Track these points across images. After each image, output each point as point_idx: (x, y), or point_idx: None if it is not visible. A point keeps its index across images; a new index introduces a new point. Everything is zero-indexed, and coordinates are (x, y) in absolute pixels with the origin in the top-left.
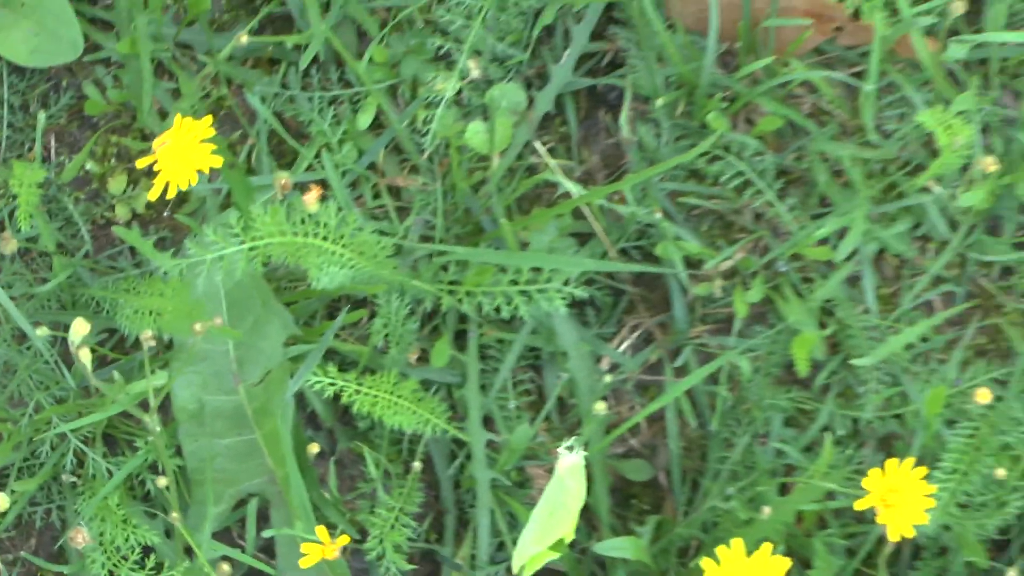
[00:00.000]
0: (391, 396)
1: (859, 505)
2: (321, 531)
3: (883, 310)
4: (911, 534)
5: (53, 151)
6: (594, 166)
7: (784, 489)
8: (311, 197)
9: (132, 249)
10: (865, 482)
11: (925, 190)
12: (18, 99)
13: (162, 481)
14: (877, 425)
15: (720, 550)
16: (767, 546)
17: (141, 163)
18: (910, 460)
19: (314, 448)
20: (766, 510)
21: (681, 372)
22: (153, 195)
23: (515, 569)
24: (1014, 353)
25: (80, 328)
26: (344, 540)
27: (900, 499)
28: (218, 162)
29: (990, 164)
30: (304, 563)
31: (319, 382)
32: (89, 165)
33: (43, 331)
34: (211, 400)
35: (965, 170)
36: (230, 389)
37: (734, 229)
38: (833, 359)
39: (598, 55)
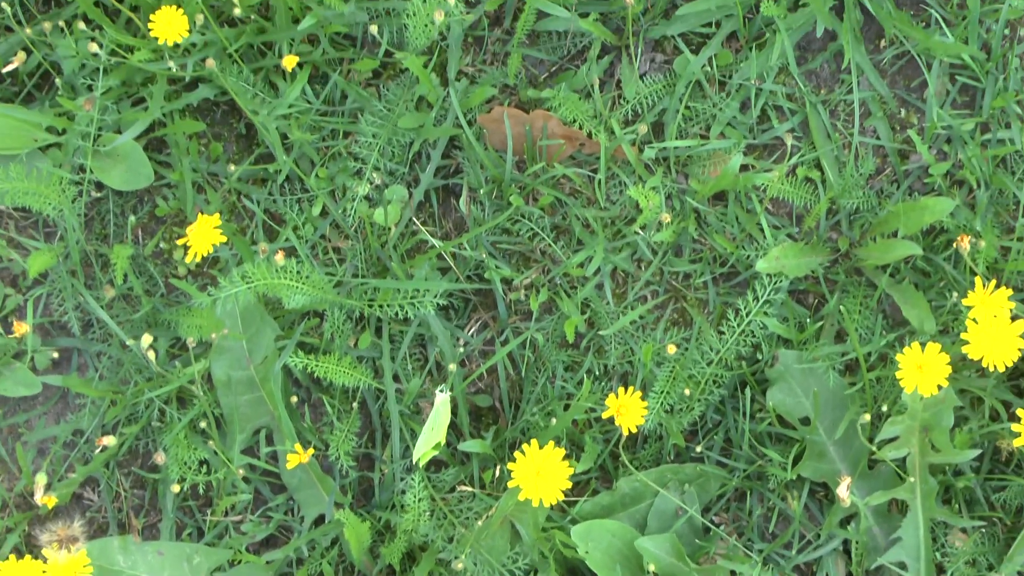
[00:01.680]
0: (337, 366)
1: (606, 415)
2: (298, 447)
3: (617, 303)
4: (635, 430)
5: (140, 238)
6: (449, 229)
7: (567, 408)
8: (279, 257)
9: (186, 293)
10: (608, 401)
11: (637, 233)
12: (118, 208)
13: (203, 423)
14: (618, 367)
15: (525, 446)
16: (551, 443)
17: (180, 242)
18: (631, 389)
19: (294, 399)
20: (553, 420)
21: (505, 344)
22: (188, 259)
23: (415, 459)
24: (693, 323)
25: (146, 339)
26: (311, 452)
27: (626, 411)
28: (223, 239)
29: (666, 217)
30: (288, 465)
31: (295, 361)
32: (162, 244)
33: (147, 338)
34: (235, 374)
35: (659, 221)
36: (245, 367)
37: (530, 261)
38: (591, 331)
39: (448, 166)
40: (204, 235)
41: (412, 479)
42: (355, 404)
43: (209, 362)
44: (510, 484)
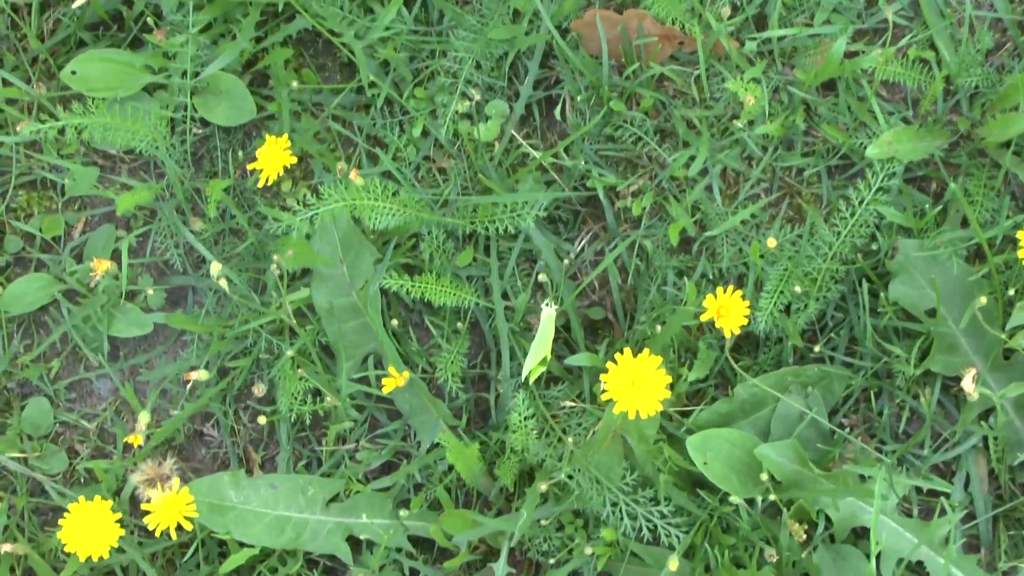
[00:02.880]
0: (435, 285)
1: (704, 317)
2: (392, 370)
3: (728, 203)
4: (738, 331)
5: (247, 173)
6: (553, 142)
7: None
8: (354, 175)
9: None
10: (707, 302)
11: (742, 129)
12: (225, 145)
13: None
14: (732, 270)
15: (618, 355)
16: (646, 351)
17: (252, 167)
18: (731, 288)
19: (395, 322)
20: (658, 328)
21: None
22: (260, 183)
23: (523, 376)
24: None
25: (216, 267)
26: (406, 375)
27: (727, 312)
28: (292, 159)
29: (752, 99)
30: (385, 389)
31: (389, 283)
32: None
33: (216, 267)
34: (337, 302)
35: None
36: (347, 293)
37: (636, 167)
38: (701, 235)
39: (547, 78)
40: (273, 157)
41: (517, 397)
42: (462, 325)
43: (311, 290)
44: (602, 397)
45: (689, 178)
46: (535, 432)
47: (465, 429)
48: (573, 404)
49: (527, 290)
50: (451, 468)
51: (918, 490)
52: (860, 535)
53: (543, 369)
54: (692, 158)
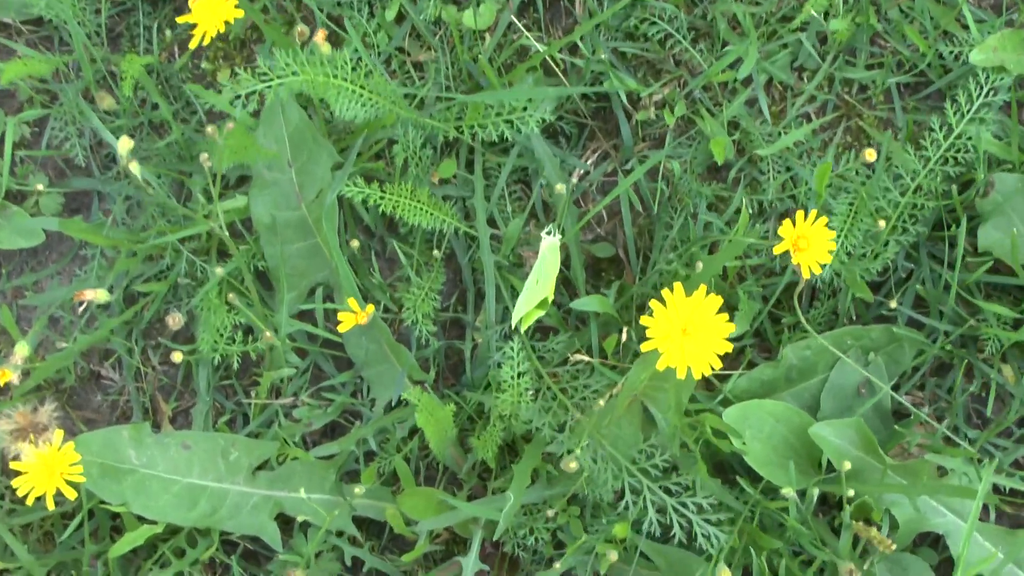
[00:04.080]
0: (410, 200)
1: (777, 249)
2: (352, 302)
3: (774, 122)
4: (819, 271)
5: (177, 56)
6: (557, 37)
7: (712, 252)
8: (320, 38)
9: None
10: (781, 230)
11: (800, 30)
12: (149, 20)
13: (219, 271)
14: (777, 204)
15: (665, 293)
16: (702, 288)
17: (181, 19)
18: (814, 212)
19: (354, 243)
20: (699, 265)
21: (629, 174)
22: (193, 43)
23: (514, 324)
24: (874, 147)
25: (125, 143)
26: (370, 309)
27: (809, 243)
28: (238, 13)
29: None
30: (341, 327)
31: (352, 191)
32: (203, 64)
33: (125, 142)
34: (281, 215)
35: (826, 16)
36: (295, 205)
37: (661, 72)
38: (740, 159)
39: None
40: (212, 8)
41: (510, 348)
42: (438, 253)
43: (249, 199)
44: (643, 348)
45: (728, 87)
46: (530, 393)
47: (432, 386)
48: (584, 359)
49: (520, 216)
50: (413, 434)
51: (995, 488)
52: (918, 542)
53: (541, 313)
54: (734, 63)
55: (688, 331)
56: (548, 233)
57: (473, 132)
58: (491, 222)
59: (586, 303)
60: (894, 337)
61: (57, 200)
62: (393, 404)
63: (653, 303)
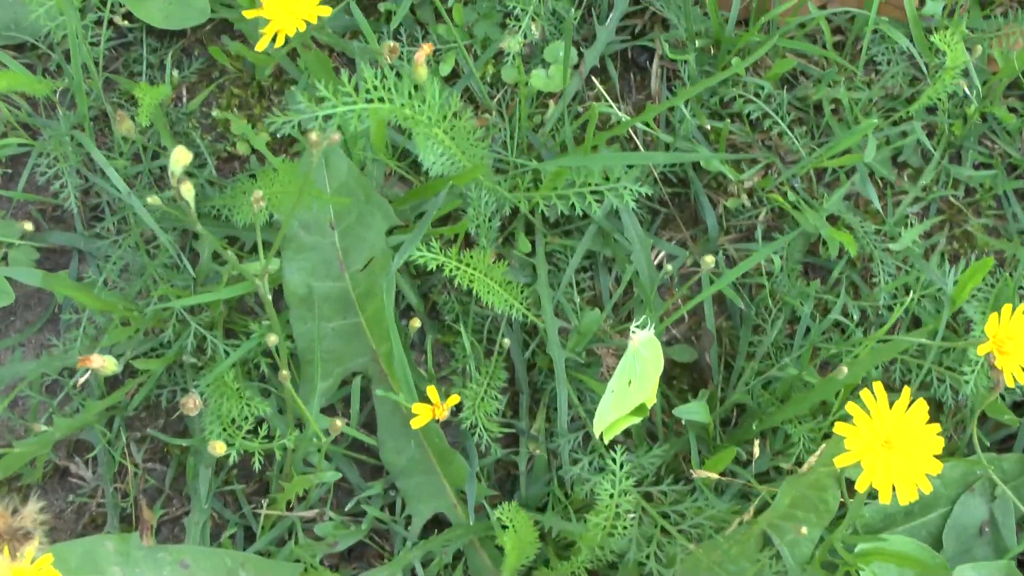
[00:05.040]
0: (486, 276)
1: (981, 350)
2: (432, 392)
3: (874, 220)
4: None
5: (184, 99)
6: (629, 112)
7: (822, 368)
8: (421, 56)
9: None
10: (987, 328)
11: (909, 119)
12: (154, 57)
13: (272, 338)
14: (884, 312)
15: (866, 395)
16: (905, 392)
17: (250, 14)
18: (1022, 307)
19: (416, 323)
20: (844, 370)
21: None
22: (261, 45)
23: (596, 433)
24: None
25: (181, 156)
26: (455, 399)
27: (1015, 346)
28: (326, 11)
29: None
30: (415, 423)
31: (423, 256)
32: (215, 112)
33: (154, 200)
34: (319, 286)
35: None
36: (337, 275)
37: (754, 160)
38: (839, 261)
39: (632, 26)
40: (291, 5)
41: (607, 460)
42: (507, 342)
43: (280, 263)
44: (839, 463)
45: (825, 179)
46: (632, 517)
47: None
48: (706, 474)
49: (592, 309)
50: (457, 560)
51: None
52: None
53: (636, 421)
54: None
55: (892, 444)
56: (636, 329)
57: (539, 206)
58: (556, 315)
59: (690, 410)
60: None
61: (30, 255)
62: (432, 524)
63: (854, 409)
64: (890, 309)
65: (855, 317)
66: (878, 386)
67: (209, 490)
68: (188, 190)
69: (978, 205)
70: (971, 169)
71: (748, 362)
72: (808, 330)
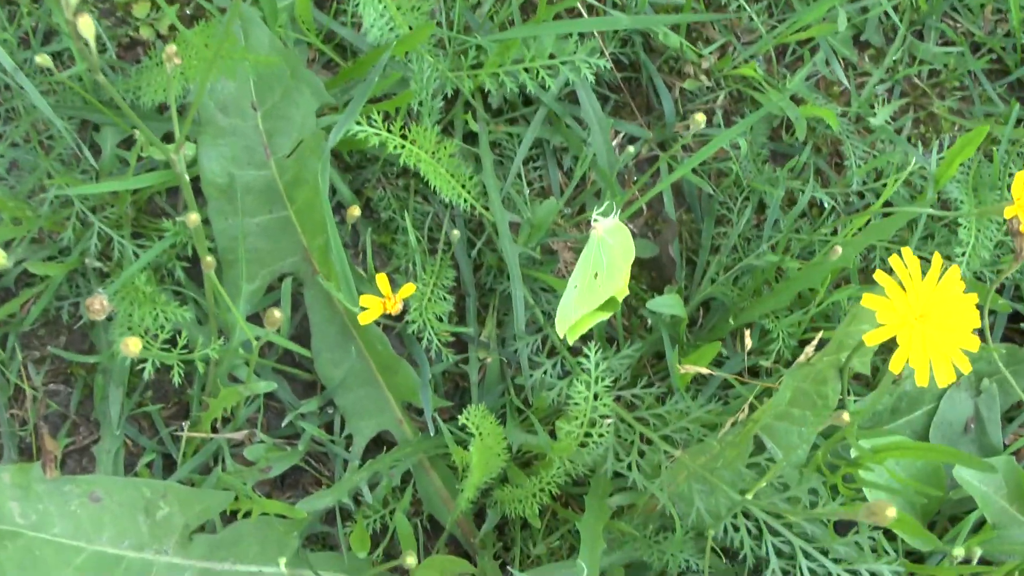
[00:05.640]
0: (433, 158)
1: (1009, 212)
2: (382, 281)
3: (835, 101)
4: None
5: None
6: None
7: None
8: None
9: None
10: (1014, 188)
11: None
12: None
13: (193, 217)
14: (855, 199)
15: (895, 261)
16: (955, 269)
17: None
18: None
19: (355, 212)
20: (837, 250)
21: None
22: None
23: (560, 334)
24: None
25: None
26: (409, 288)
27: None
28: None
29: None
30: (364, 318)
31: (363, 131)
32: None
33: (44, 59)
34: (241, 175)
35: None
36: (261, 162)
37: (707, 40)
38: (805, 146)
39: None
40: None
41: (574, 365)
42: (457, 233)
43: (197, 151)
44: (871, 339)
45: (785, 58)
46: (608, 424)
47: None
48: (741, 380)
49: (535, 203)
50: (405, 483)
51: None
52: None
53: (605, 317)
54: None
55: (927, 317)
56: (603, 213)
57: (487, 86)
58: (505, 207)
59: (663, 303)
60: (1018, 358)
61: None
62: (374, 444)
63: (885, 279)
64: (861, 196)
65: (826, 205)
66: (907, 252)
67: (121, 413)
68: (87, 25)
69: (942, 87)
70: (936, 47)
71: (713, 256)
72: (776, 221)
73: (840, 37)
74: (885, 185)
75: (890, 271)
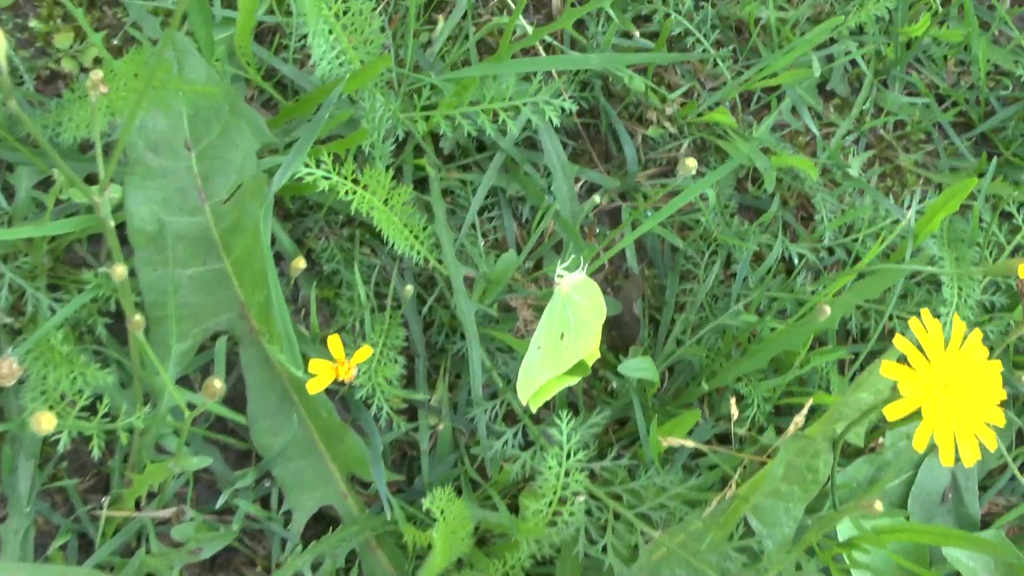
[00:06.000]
0: (386, 205)
1: (1022, 271)
2: (334, 344)
3: (802, 152)
4: None
5: None
6: (543, 20)
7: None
8: None
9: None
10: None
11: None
12: None
13: (119, 270)
14: (825, 255)
15: (914, 327)
16: (976, 333)
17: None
18: None
19: (300, 264)
20: (826, 309)
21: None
22: None
23: (523, 401)
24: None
25: None
26: (366, 352)
27: None
28: None
29: None
30: (313, 386)
31: (311, 174)
32: (33, 23)
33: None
34: (173, 221)
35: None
36: (195, 207)
37: (669, 86)
38: (773, 199)
39: None
40: None
41: (554, 430)
42: (410, 288)
43: (123, 193)
44: (893, 413)
45: (752, 107)
46: (580, 500)
47: (362, 494)
48: (684, 444)
49: (490, 254)
50: (351, 564)
51: None
52: None
53: (573, 381)
54: (772, 75)
55: (952, 388)
56: (568, 268)
57: (440, 129)
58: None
59: (636, 366)
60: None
61: None
62: (317, 520)
63: (906, 346)
64: (831, 252)
65: (796, 261)
66: (926, 314)
67: (32, 488)
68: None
69: (908, 139)
70: (903, 96)
71: (679, 313)
72: (746, 278)
73: (806, 86)
74: (856, 240)
75: (886, 334)
